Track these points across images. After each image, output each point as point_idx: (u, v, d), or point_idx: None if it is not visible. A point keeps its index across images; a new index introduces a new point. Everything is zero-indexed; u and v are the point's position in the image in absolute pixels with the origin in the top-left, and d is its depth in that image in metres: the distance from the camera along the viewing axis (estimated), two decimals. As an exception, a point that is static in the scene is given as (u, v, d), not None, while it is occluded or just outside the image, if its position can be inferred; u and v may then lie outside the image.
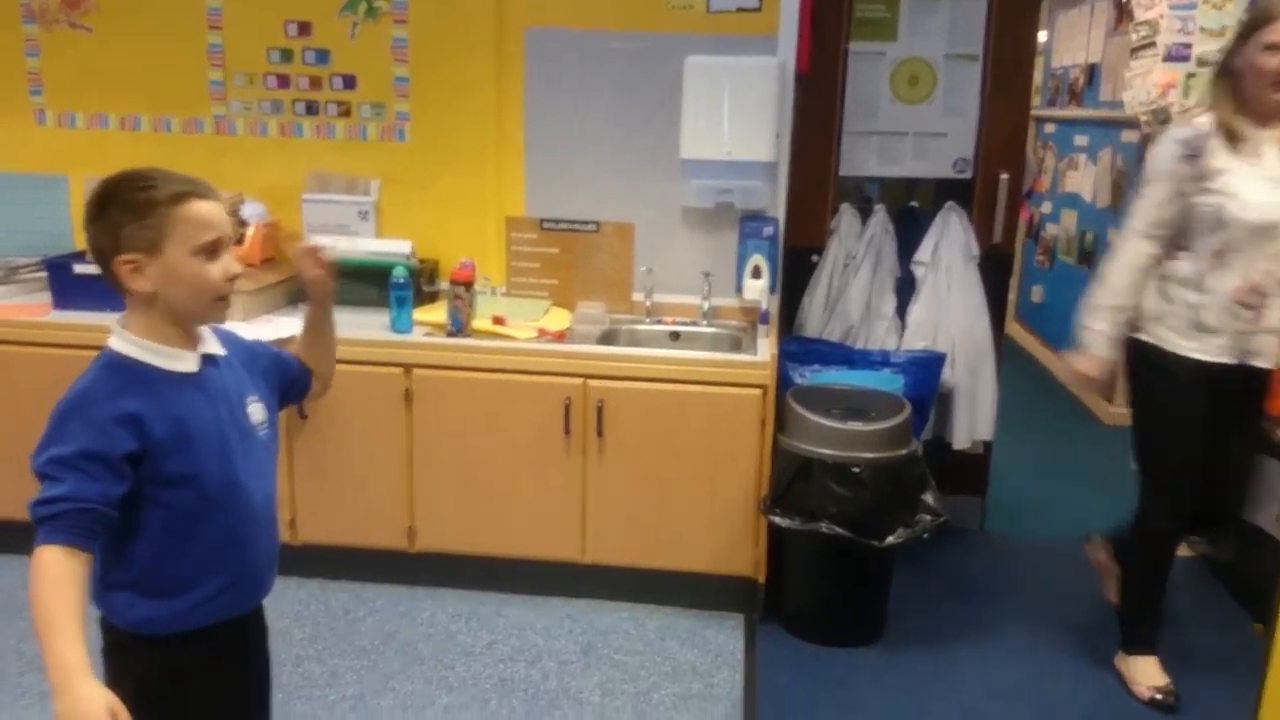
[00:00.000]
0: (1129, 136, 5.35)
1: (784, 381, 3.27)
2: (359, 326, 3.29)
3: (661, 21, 3.43)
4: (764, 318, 3.44)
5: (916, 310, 3.70)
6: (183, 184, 1.58)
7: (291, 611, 3.19)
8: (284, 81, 3.66)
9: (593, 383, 3.13)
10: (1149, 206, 2.76)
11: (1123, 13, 5.54)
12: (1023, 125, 3.80)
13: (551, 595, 3.34)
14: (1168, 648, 3.20)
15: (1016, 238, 3.90)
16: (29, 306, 3.39)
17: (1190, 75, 5.03)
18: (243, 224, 3.51)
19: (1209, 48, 5.02)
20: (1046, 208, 6.72)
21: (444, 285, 3.49)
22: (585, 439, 3.17)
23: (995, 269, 3.79)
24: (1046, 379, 6.28)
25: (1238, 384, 2.76)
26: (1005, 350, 3.93)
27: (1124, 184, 5.40)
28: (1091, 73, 6.04)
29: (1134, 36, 5.27)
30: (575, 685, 2.89)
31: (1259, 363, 2.72)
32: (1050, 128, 6.77)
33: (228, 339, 1.76)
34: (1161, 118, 5.05)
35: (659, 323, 3.57)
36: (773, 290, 3.46)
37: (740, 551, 3.21)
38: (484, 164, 3.63)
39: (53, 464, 1.53)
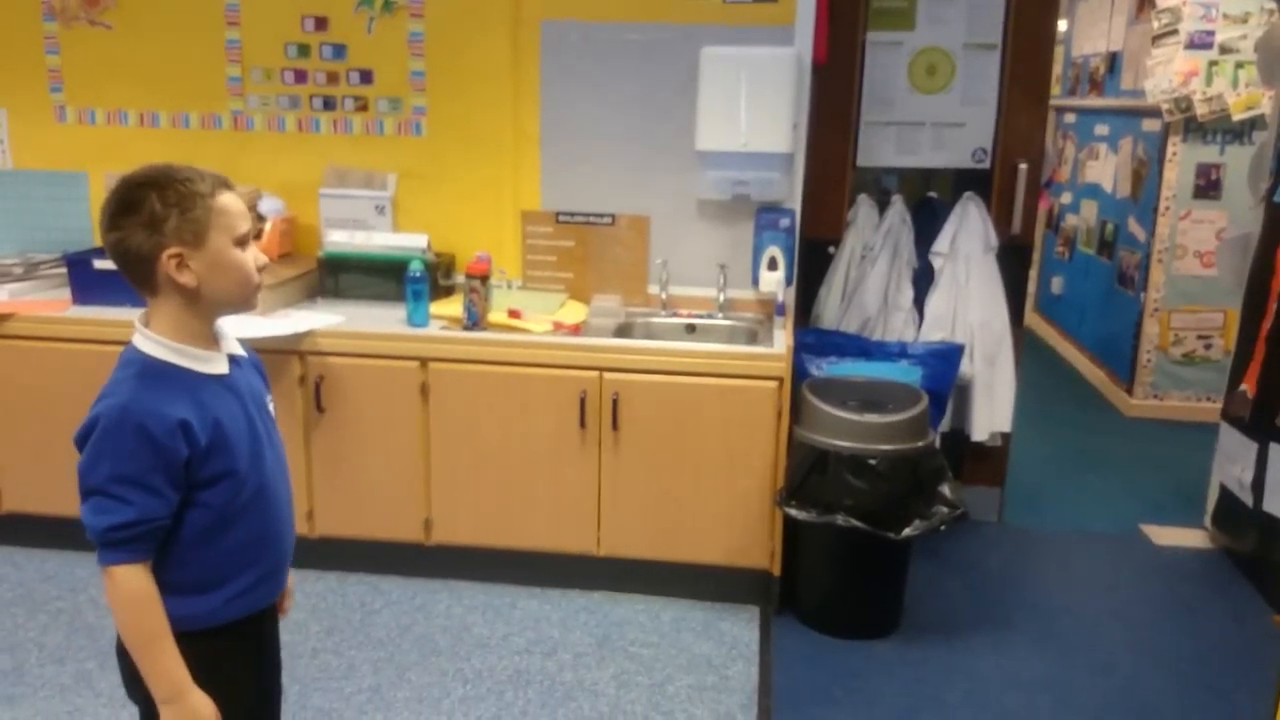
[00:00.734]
0: (1150, 126, 5.31)
1: (800, 373, 3.26)
2: (375, 320, 3.31)
3: (677, 12, 3.43)
4: (780, 310, 3.43)
5: (934, 301, 3.69)
6: (212, 177, 1.59)
7: (308, 604, 3.21)
8: (301, 76, 3.67)
9: (608, 376, 3.13)
10: None
11: (1144, 0, 5.49)
12: (1042, 115, 3.77)
13: (567, 588, 3.35)
14: (1186, 638, 3.19)
15: (1036, 228, 3.87)
16: (49, 302, 3.42)
17: (1213, 63, 4.98)
18: (260, 219, 3.53)
19: (1232, 34, 4.97)
20: (1066, 198, 6.67)
21: (460, 279, 3.49)
22: (601, 432, 3.17)
23: (1014, 260, 3.76)
24: (1066, 371, 6.24)
25: None
26: (1025, 342, 3.91)
27: (1145, 174, 5.36)
28: (1113, 61, 5.98)
29: (1156, 24, 5.22)
30: (590, 677, 2.90)
31: None
32: (1070, 117, 6.71)
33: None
34: (1183, 106, 5.01)
35: (675, 315, 3.56)
36: (789, 282, 3.45)
37: (756, 544, 3.20)
38: (500, 157, 3.63)
39: (115, 482, 1.52)
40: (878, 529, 2.93)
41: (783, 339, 3.22)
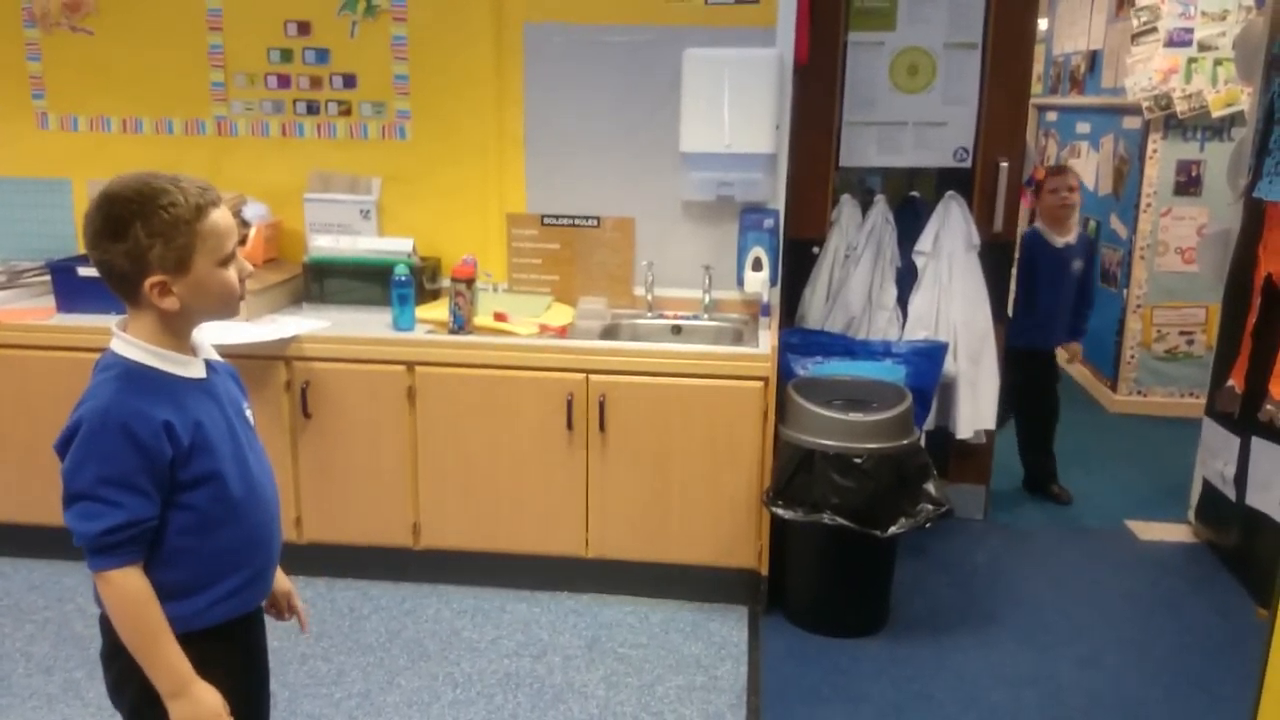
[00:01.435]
0: (1131, 123, 5.34)
1: (785, 373, 3.28)
2: (361, 325, 3.31)
3: (660, 14, 3.44)
4: (765, 310, 3.44)
5: (918, 300, 3.71)
6: (198, 194, 1.57)
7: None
8: (284, 81, 3.67)
9: (595, 378, 3.14)
10: None
11: (1124, -1, 5.53)
12: (1023, 113, 3.80)
13: (556, 590, 3.35)
14: (1171, 632, 3.21)
15: (1018, 226, 3.89)
16: (33, 310, 3.41)
17: (1192, 60, 5.02)
18: (245, 225, 3.52)
19: (1210, 32, 5.01)
20: (1050, 196, 6.69)
21: (446, 283, 3.50)
22: (588, 434, 3.18)
23: (997, 258, 3.79)
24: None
25: None
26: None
27: (1126, 171, 5.39)
28: (1093, 59, 6.02)
29: (1135, 22, 5.25)
30: (580, 679, 2.91)
31: None
32: (1052, 116, 6.75)
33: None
34: (1163, 103, 5.04)
35: (660, 317, 3.57)
36: (773, 283, 3.46)
37: (743, 544, 3.21)
38: (485, 160, 3.63)
39: (103, 485, 1.52)
40: (864, 527, 2.95)
41: (768, 339, 3.23)
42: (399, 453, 3.26)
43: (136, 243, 1.52)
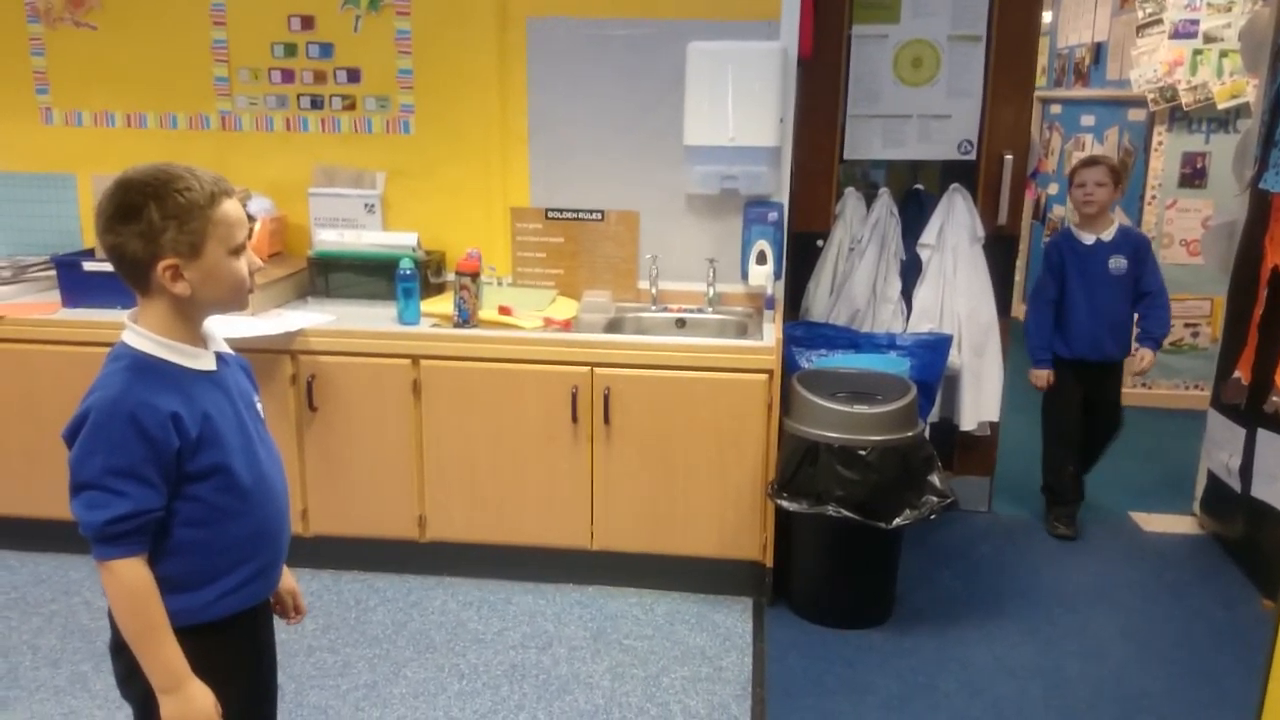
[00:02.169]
0: (1136, 116, 5.33)
1: (790, 366, 3.28)
2: (366, 319, 3.32)
3: (663, 8, 3.43)
4: (769, 303, 3.44)
5: (922, 293, 3.71)
6: (212, 183, 1.59)
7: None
8: (288, 76, 3.67)
9: (599, 371, 3.15)
10: None
11: (1129, -10, 5.52)
12: (1027, 105, 3.79)
13: (561, 582, 3.36)
14: (1176, 624, 3.21)
15: (1022, 219, 3.89)
16: (39, 305, 3.42)
17: (1197, 52, 5.01)
18: (250, 219, 3.52)
19: (1216, 23, 5.00)
20: (1053, 189, 6.70)
21: (450, 276, 3.50)
22: (593, 427, 3.18)
23: (1001, 250, 3.78)
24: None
25: None
26: (1013, 332, 3.93)
27: (1131, 163, 5.38)
28: (1098, 52, 6.01)
29: (1141, 14, 5.24)
30: (585, 670, 2.92)
31: None
32: (1056, 109, 6.74)
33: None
34: (1168, 95, 5.03)
35: (665, 310, 3.58)
36: (778, 276, 3.46)
37: (748, 536, 3.22)
38: (489, 154, 3.64)
39: (110, 475, 1.52)
40: (868, 519, 2.95)
41: (772, 332, 3.24)
42: (404, 446, 3.27)
43: (150, 224, 1.53)
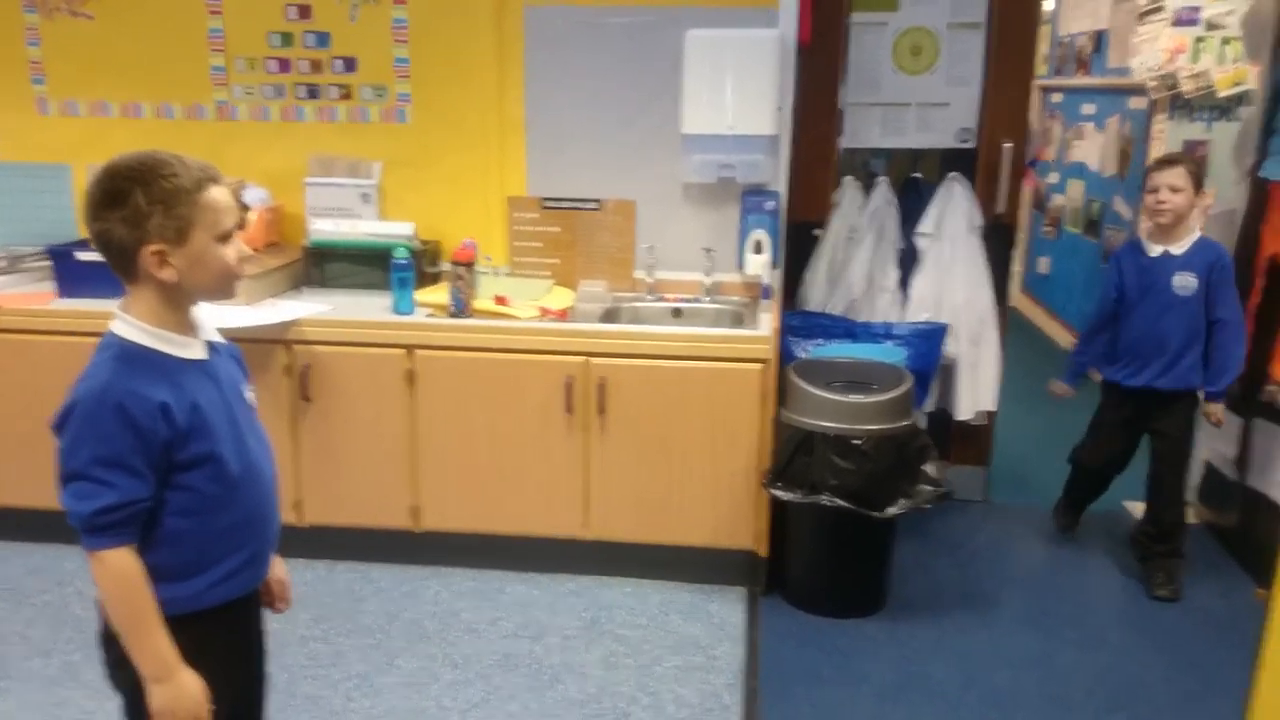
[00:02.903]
0: (1137, 104, 5.30)
1: (786, 355, 3.27)
2: (361, 308, 3.31)
3: (660, -5, 3.42)
4: (766, 293, 3.44)
5: (919, 282, 3.69)
6: (199, 169, 1.59)
7: (297, 593, 3.12)
8: (285, 65, 3.66)
9: (595, 361, 3.14)
10: None
11: (1131, -23, 5.48)
12: (1026, 93, 3.77)
13: (555, 572, 3.36)
14: (1171, 613, 3.21)
15: (1020, 208, 3.87)
16: (33, 295, 3.42)
17: (1199, 39, 4.96)
18: (245, 209, 3.53)
19: (1218, 10, 4.96)
20: (1054, 178, 6.67)
21: (446, 266, 3.50)
22: (587, 417, 3.18)
23: (999, 239, 3.77)
24: (1052, 350, 6.25)
25: None
26: (1011, 322, 3.92)
27: (1131, 152, 5.36)
28: (1099, 39, 5.98)
29: (1142, 0, 5.20)
30: (578, 660, 2.92)
31: None
32: (1057, 97, 6.71)
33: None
34: (1169, 83, 5.00)
35: (661, 300, 3.57)
36: (775, 265, 3.46)
37: (742, 525, 3.22)
38: (485, 144, 3.63)
39: (97, 465, 1.52)
40: (863, 509, 2.95)
41: (768, 321, 3.23)
42: (399, 436, 3.27)
43: (136, 210, 1.53)
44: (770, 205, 3.44)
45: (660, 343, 3.13)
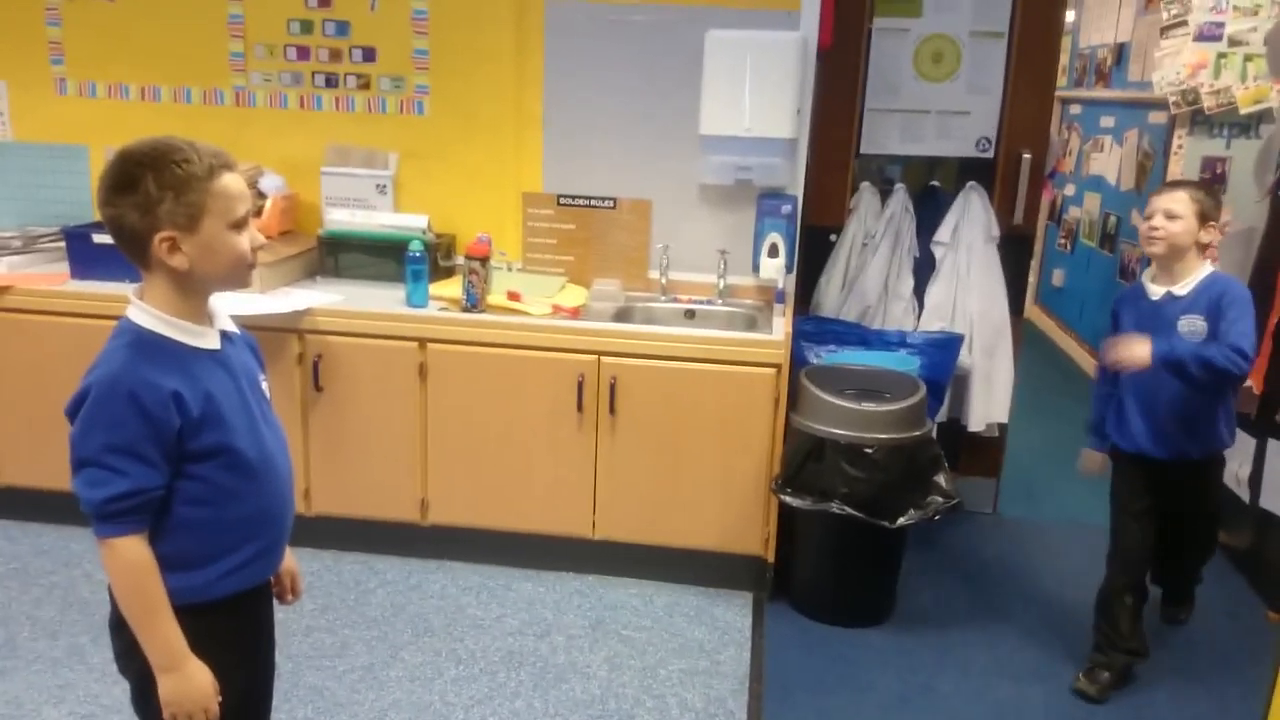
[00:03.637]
0: (1156, 118, 5.28)
1: (799, 361, 3.26)
2: (375, 300, 3.31)
3: (683, -6, 3.41)
4: (780, 297, 3.42)
5: (934, 291, 3.68)
6: (212, 156, 1.57)
7: (303, 583, 3.21)
8: (304, 53, 3.65)
9: (606, 360, 3.13)
10: None
11: (1154, -9, 5.46)
12: (1047, 104, 3.75)
13: (561, 570, 3.35)
14: (1179, 633, 3.19)
15: (1038, 219, 3.85)
16: (47, 275, 3.41)
17: (1221, 55, 4.94)
18: (261, 196, 3.52)
19: (1242, 27, 4.93)
20: (1070, 190, 6.65)
21: (460, 260, 3.48)
22: (598, 416, 3.17)
23: (1015, 251, 3.75)
24: (1065, 363, 6.23)
25: None
26: (1025, 334, 3.90)
27: (1149, 166, 5.33)
28: (1120, 52, 5.95)
29: (1165, 15, 5.18)
30: (583, 659, 2.91)
31: None
32: (1076, 109, 6.68)
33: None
34: (1190, 99, 4.98)
35: (674, 301, 3.56)
36: (789, 269, 3.44)
37: (750, 530, 3.21)
38: (502, 138, 3.61)
39: (109, 452, 1.51)
40: (873, 517, 2.93)
41: (782, 326, 3.21)
42: (409, 428, 3.26)
43: (147, 195, 1.52)
44: (787, 209, 3.43)
45: (673, 344, 3.12)
